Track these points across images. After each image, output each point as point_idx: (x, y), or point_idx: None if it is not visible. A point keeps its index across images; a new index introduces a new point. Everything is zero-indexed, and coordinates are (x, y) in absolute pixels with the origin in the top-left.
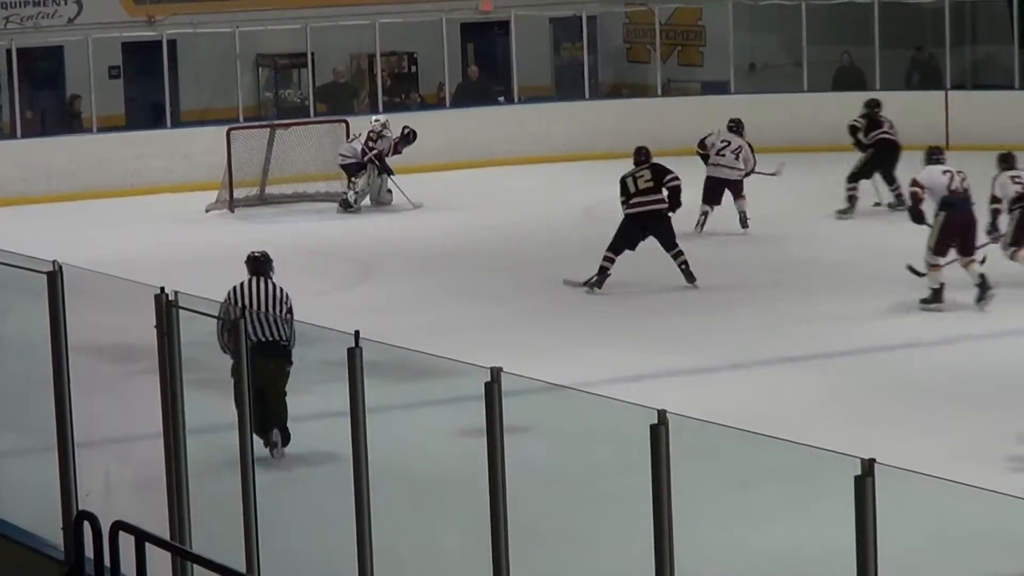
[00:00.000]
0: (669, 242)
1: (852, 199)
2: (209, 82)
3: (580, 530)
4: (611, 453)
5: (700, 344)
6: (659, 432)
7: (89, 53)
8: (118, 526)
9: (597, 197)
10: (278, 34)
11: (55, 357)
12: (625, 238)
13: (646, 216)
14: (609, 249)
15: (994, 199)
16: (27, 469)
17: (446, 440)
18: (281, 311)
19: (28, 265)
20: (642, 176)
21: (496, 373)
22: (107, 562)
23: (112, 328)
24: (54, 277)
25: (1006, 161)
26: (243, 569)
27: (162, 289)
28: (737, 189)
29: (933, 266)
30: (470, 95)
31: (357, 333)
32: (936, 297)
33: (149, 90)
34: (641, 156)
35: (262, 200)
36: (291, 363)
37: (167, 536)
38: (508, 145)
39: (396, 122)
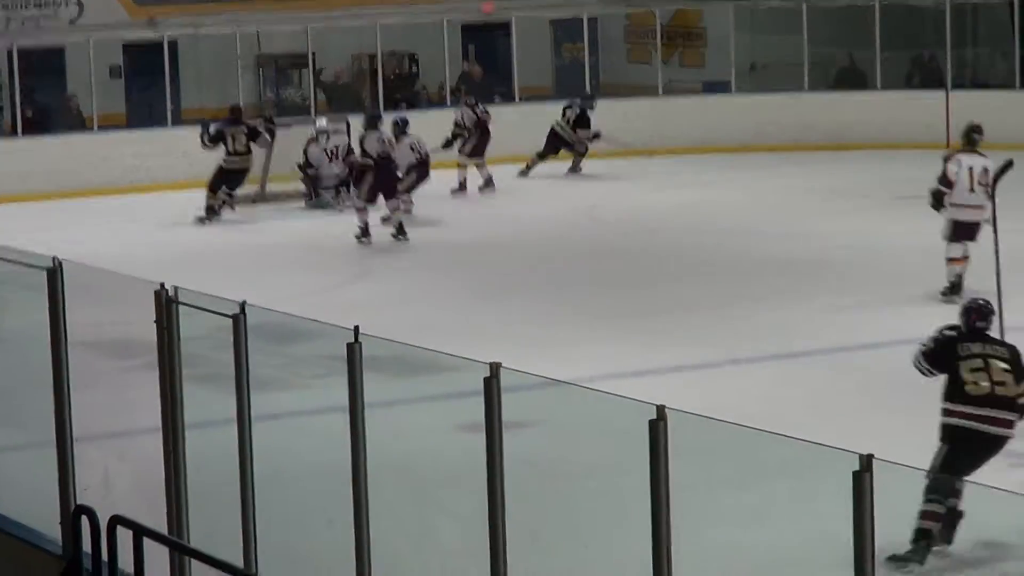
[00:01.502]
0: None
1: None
2: (210, 83)
3: (578, 525)
4: (610, 448)
5: (699, 340)
6: (657, 427)
7: (90, 55)
8: (116, 521)
9: (598, 197)
10: (279, 35)
11: (54, 352)
12: None
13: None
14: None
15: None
16: (26, 464)
17: (445, 435)
18: None
19: (28, 261)
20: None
21: (495, 368)
22: (105, 557)
23: (112, 324)
24: (54, 273)
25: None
26: (241, 564)
27: (162, 285)
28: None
29: (360, 209)
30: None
31: (356, 328)
32: (400, 231)
33: (150, 91)
34: (238, 114)
35: (263, 198)
36: None
37: (165, 531)
38: (508, 145)
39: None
